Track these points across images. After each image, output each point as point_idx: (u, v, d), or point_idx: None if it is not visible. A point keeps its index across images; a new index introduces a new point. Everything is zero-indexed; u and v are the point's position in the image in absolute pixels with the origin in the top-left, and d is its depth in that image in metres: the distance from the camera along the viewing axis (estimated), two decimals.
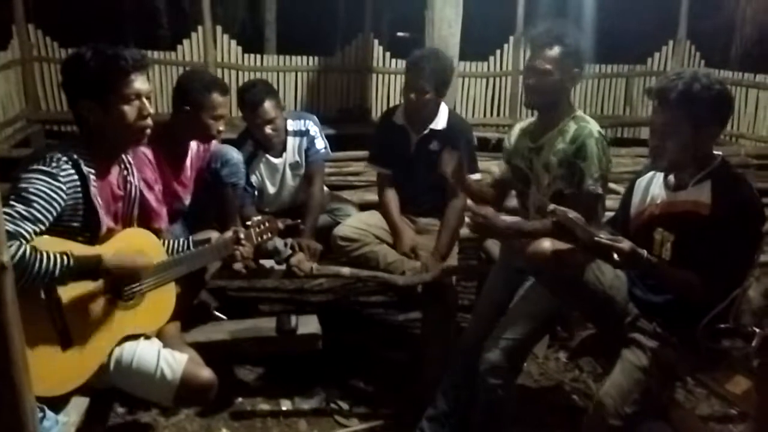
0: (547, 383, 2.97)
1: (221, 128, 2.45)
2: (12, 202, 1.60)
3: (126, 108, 1.77)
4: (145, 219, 2.13)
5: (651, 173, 1.99)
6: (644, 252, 1.75)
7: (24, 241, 1.58)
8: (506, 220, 2.13)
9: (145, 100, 1.80)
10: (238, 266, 2.35)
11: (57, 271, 1.62)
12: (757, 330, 1.76)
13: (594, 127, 2.11)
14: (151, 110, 1.83)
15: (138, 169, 2.03)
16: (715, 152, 1.85)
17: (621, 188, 4.22)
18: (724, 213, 1.73)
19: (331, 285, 3.82)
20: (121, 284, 1.83)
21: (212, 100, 2.39)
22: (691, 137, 1.76)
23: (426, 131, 2.75)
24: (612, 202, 3.50)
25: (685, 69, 1.81)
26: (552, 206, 1.78)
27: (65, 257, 1.64)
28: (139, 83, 1.78)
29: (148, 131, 1.86)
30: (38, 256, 1.59)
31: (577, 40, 2.12)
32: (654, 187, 1.95)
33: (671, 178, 1.90)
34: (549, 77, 2.09)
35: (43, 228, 1.64)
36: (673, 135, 1.77)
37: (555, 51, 2.08)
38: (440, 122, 2.76)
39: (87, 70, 1.73)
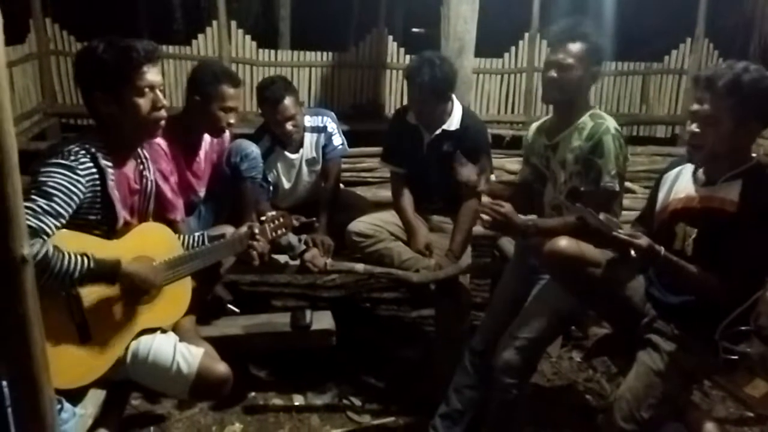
0: (560, 383, 2.96)
1: (232, 120, 2.44)
2: (33, 197, 1.60)
3: (140, 100, 1.77)
4: (161, 210, 2.14)
5: (678, 168, 1.96)
6: (662, 249, 1.73)
7: (46, 237, 1.59)
8: (524, 218, 2.11)
9: (158, 91, 1.81)
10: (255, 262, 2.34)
11: (77, 274, 1.63)
12: None
13: (611, 123, 2.08)
14: (165, 102, 1.84)
15: (153, 160, 2.04)
16: (752, 154, 1.81)
17: (636, 187, 4.21)
18: (751, 213, 1.69)
19: (343, 281, 3.82)
20: (136, 292, 1.83)
21: (222, 91, 2.38)
22: (731, 129, 1.71)
23: (438, 132, 2.72)
24: (628, 201, 3.49)
25: (737, 61, 1.76)
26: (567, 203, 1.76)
27: (86, 260, 1.64)
28: (152, 75, 1.78)
29: (163, 123, 1.85)
30: (60, 257, 1.59)
31: (599, 38, 2.10)
32: (681, 181, 1.92)
33: (700, 173, 1.86)
34: (571, 72, 2.06)
35: (63, 222, 1.65)
36: (714, 125, 1.72)
37: (578, 46, 2.05)
38: (453, 123, 2.71)
39: (100, 62, 1.73)
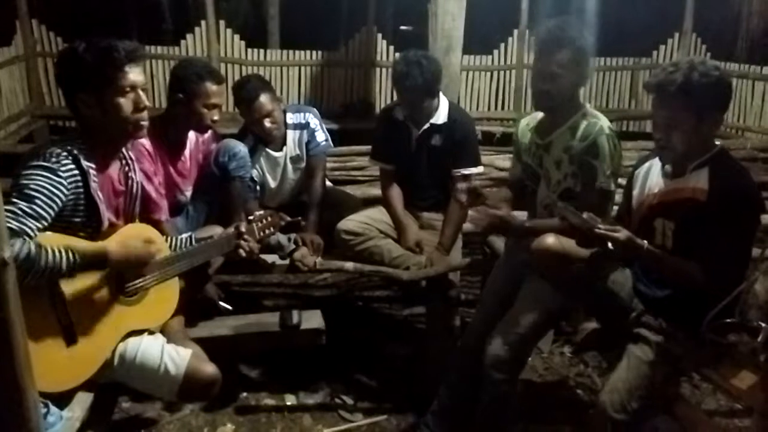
0: (552, 378, 2.97)
1: (215, 117, 2.45)
2: (14, 199, 1.60)
3: (122, 100, 1.75)
4: (146, 211, 2.13)
5: (648, 163, 1.98)
6: (645, 242, 1.75)
7: (28, 239, 1.58)
8: (518, 219, 2.12)
9: (140, 92, 1.78)
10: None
11: (63, 266, 1.62)
12: (764, 325, 1.75)
13: (605, 123, 2.07)
14: (148, 103, 1.82)
15: (136, 160, 2.02)
16: (715, 141, 1.84)
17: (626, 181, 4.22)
18: (722, 199, 1.72)
19: (335, 280, 3.82)
20: (127, 275, 1.83)
21: (205, 88, 2.39)
22: (694, 126, 1.75)
23: (426, 126, 2.74)
24: (618, 196, 3.48)
25: (680, 59, 1.80)
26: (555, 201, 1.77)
27: (70, 252, 1.64)
28: (134, 75, 1.76)
29: (145, 124, 1.83)
30: (44, 253, 1.58)
31: (585, 39, 2.07)
32: (651, 176, 1.94)
33: (668, 166, 1.88)
34: (561, 81, 2.03)
35: (45, 224, 1.64)
36: (677, 127, 1.76)
37: (565, 53, 2.02)
38: (441, 116, 2.74)
39: (82, 63, 1.71)
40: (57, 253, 1.61)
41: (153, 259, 1.85)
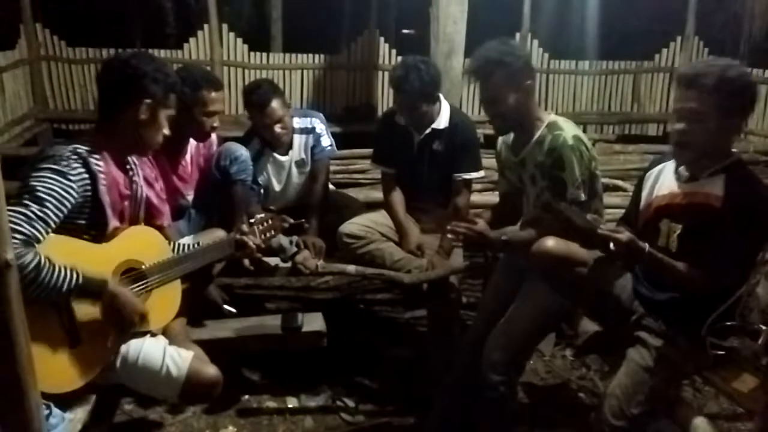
0: (553, 381, 2.96)
1: (215, 124, 2.46)
2: (26, 202, 1.61)
3: (164, 121, 1.89)
4: (148, 216, 2.14)
5: (660, 166, 1.98)
6: (646, 245, 1.75)
7: (37, 243, 1.60)
8: (497, 233, 2.14)
9: None
10: (247, 263, 2.34)
11: (65, 287, 1.64)
12: (765, 328, 1.75)
13: (568, 133, 2.05)
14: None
15: (138, 167, 2.04)
16: (732, 149, 1.84)
17: (628, 185, 4.22)
18: (736, 208, 1.72)
19: (337, 283, 3.82)
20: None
21: (203, 96, 2.40)
22: (718, 126, 1.74)
23: (428, 131, 2.75)
24: (619, 199, 3.50)
25: (717, 57, 1.80)
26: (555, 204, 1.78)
27: (75, 274, 1.65)
28: None
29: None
30: (51, 269, 1.60)
31: (519, 53, 2.08)
32: (663, 178, 1.94)
33: (683, 169, 1.88)
34: (504, 103, 2.05)
35: (53, 227, 1.66)
36: (702, 122, 1.74)
37: (497, 77, 2.02)
38: (442, 121, 2.74)
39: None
40: (62, 274, 1.63)
41: (136, 327, 1.84)
